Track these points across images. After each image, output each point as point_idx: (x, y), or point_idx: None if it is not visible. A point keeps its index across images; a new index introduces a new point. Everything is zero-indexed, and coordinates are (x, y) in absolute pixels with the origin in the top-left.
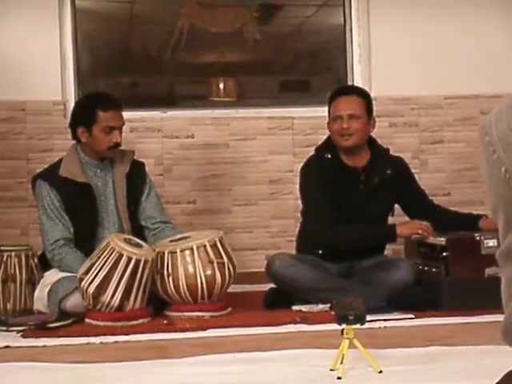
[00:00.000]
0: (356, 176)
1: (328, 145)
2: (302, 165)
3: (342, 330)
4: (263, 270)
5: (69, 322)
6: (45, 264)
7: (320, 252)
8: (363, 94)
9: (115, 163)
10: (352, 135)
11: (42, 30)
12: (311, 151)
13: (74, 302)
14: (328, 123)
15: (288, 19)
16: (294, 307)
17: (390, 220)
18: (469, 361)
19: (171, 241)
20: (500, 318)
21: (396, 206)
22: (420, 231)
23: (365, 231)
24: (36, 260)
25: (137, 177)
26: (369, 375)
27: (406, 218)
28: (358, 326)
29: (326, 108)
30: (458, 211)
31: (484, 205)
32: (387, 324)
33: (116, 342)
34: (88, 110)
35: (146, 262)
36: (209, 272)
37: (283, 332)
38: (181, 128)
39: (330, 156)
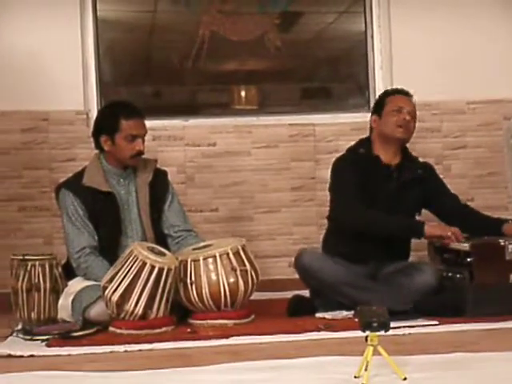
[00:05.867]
0: (388, 172)
1: (362, 143)
2: (333, 162)
3: (366, 336)
4: (286, 277)
5: (93, 330)
6: (69, 273)
7: (346, 250)
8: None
9: (138, 172)
10: (408, 130)
11: (63, 40)
12: (333, 158)
13: (97, 310)
14: (372, 116)
15: (309, 26)
16: (318, 314)
17: None
18: (494, 367)
19: (194, 249)
20: None
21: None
22: (449, 233)
23: (393, 218)
24: (60, 269)
25: (159, 185)
26: (393, 382)
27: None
28: (382, 332)
29: (348, 114)
30: (488, 215)
31: (508, 210)
32: (411, 330)
33: (140, 350)
34: (111, 118)
35: (169, 270)
36: (232, 280)
37: (307, 339)
38: (203, 136)
39: (363, 151)
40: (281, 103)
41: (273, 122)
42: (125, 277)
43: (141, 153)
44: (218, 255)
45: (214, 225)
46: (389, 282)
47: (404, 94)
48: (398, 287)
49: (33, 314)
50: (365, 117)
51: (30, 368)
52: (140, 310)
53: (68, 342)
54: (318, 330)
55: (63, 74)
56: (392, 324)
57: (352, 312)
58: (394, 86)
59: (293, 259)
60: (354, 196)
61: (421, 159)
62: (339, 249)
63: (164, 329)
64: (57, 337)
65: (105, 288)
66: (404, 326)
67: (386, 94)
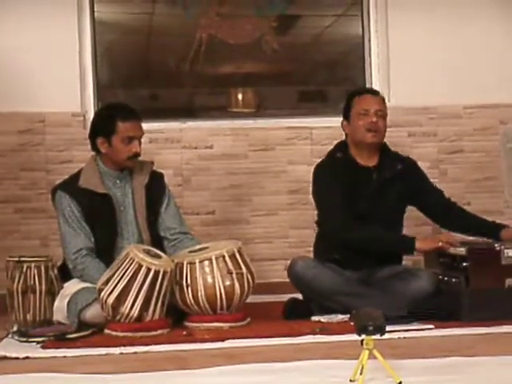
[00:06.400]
0: (368, 174)
1: (339, 146)
2: (313, 168)
3: (362, 340)
4: (282, 280)
5: (88, 332)
6: (64, 275)
7: (337, 257)
8: (383, 98)
9: (134, 174)
10: (377, 132)
11: (61, 41)
12: None
13: (93, 312)
14: (343, 123)
15: (306, 29)
16: (314, 318)
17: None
18: (489, 371)
19: (190, 251)
20: None
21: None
22: (440, 244)
23: (382, 235)
24: (56, 271)
25: (156, 187)
26: None
27: (427, 227)
28: (377, 336)
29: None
30: (482, 218)
31: (504, 215)
32: (407, 334)
33: (135, 352)
34: (107, 120)
35: (165, 272)
36: (228, 283)
37: (302, 342)
38: (200, 139)
39: (340, 155)
40: (278, 106)
41: (270, 124)
42: (120, 279)
43: (137, 155)
44: (214, 258)
45: (210, 227)
46: (384, 288)
47: (369, 92)
48: (393, 293)
49: (28, 316)
50: None
51: (25, 370)
52: (136, 312)
53: (63, 344)
54: (314, 333)
55: (60, 75)
56: (387, 328)
57: (348, 315)
58: (390, 91)
59: (289, 262)
60: (338, 209)
61: (402, 154)
62: (330, 256)
63: (159, 331)
64: (52, 339)
65: (100, 290)
66: (399, 330)
67: (351, 96)
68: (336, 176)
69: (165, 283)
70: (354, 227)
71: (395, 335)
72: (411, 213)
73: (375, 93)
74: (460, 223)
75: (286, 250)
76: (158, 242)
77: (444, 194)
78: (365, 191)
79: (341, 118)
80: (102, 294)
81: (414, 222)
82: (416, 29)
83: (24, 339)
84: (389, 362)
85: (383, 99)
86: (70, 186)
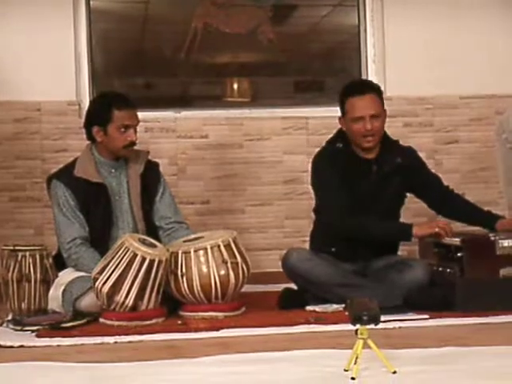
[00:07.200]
0: (368, 166)
1: (339, 136)
2: (313, 157)
3: (356, 330)
4: (277, 270)
5: (83, 321)
6: (59, 264)
7: (333, 250)
8: (377, 91)
9: (130, 163)
10: (375, 136)
11: (56, 30)
12: None
13: (88, 301)
14: (340, 119)
15: (302, 19)
16: (308, 307)
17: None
18: (483, 362)
19: (185, 241)
20: None
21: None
22: (437, 229)
23: (380, 224)
24: (50, 260)
25: (151, 177)
26: (383, 376)
27: (424, 219)
28: (372, 326)
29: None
30: (478, 207)
31: (499, 205)
32: (401, 324)
33: (130, 341)
34: (103, 108)
35: (160, 262)
36: (222, 272)
37: (297, 332)
38: (195, 128)
39: (341, 145)
40: (274, 96)
41: (265, 114)
42: (115, 268)
43: (133, 143)
44: (208, 247)
45: (205, 217)
46: (379, 278)
47: (360, 93)
48: (389, 283)
49: (23, 305)
50: None
51: (20, 358)
52: (130, 301)
53: (58, 332)
54: (309, 322)
55: (55, 64)
56: (382, 318)
57: (342, 305)
58: (386, 81)
59: (284, 252)
60: (342, 200)
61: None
62: (326, 248)
63: (154, 320)
64: (47, 327)
65: (95, 279)
66: (394, 320)
67: (344, 96)
68: (337, 166)
69: (160, 272)
70: (355, 220)
71: (390, 325)
72: (408, 205)
73: (366, 91)
74: (456, 212)
75: (281, 239)
76: (152, 231)
77: (442, 182)
78: (364, 183)
79: (337, 108)
80: (97, 282)
81: (411, 213)
82: (412, 19)
83: (19, 328)
84: (383, 351)
85: (377, 91)
86: (65, 175)
